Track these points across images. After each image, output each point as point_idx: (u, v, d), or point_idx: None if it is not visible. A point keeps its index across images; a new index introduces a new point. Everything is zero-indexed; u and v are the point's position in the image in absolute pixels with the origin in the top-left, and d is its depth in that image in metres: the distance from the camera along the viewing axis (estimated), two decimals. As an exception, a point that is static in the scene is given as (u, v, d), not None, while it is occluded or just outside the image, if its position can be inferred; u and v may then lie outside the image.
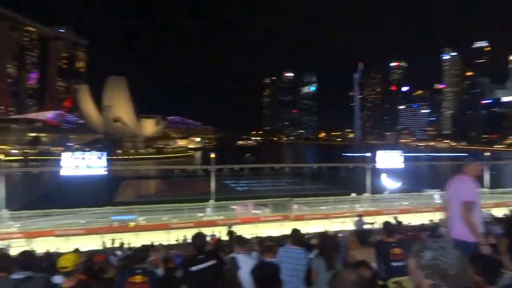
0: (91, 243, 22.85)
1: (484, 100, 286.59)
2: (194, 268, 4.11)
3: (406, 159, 44.12)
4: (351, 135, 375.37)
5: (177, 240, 24.06)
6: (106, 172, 33.66)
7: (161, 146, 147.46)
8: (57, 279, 3.90)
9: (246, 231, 23.72)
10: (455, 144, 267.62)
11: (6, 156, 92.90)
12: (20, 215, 27.69)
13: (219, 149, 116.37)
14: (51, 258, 9.19)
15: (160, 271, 4.83)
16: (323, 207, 33.59)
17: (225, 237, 20.41)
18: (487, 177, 39.59)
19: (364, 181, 38.64)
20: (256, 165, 68.84)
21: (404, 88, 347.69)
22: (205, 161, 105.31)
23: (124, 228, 28.07)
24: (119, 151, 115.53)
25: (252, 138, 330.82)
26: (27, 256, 3.81)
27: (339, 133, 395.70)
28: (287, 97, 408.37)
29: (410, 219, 27.69)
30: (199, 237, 4.58)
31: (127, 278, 3.81)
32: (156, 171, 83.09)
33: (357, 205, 35.42)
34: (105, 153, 34.52)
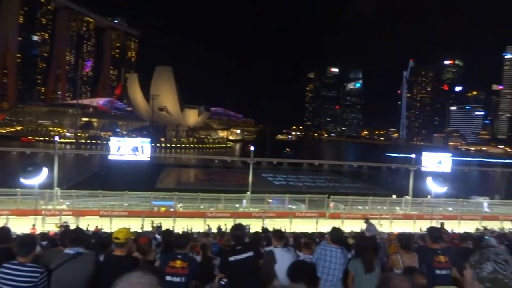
0: (132, 225, 23.96)
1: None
2: (232, 259, 4.15)
3: (455, 163, 41.80)
4: (395, 135, 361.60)
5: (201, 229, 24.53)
6: (149, 159, 34.98)
7: (203, 136, 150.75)
8: (102, 257, 4.14)
9: (281, 225, 23.72)
10: (511, 150, 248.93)
11: (61, 138, 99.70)
12: (70, 194, 29.63)
13: (258, 142, 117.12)
14: (99, 236, 9.75)
15: (199, 258, 4.93)
16: (361, 207, 32.74)
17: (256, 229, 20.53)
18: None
19: (406, 183, 37.14)
20: (295, 160, 68.40)
21: (458, 88, 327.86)
22: (244, 153, 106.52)
23: (163, 213, 29.19)
24: (162, 139, 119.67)
25: (293, 132, 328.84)
26: (78, 233, 4.06)
27: (383, 132, 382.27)
28: (330, 93, 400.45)
29: (454, 226, 26.29)
30: (238, 228, 4.62)
31: (168, 261, 3.95)
32: (196, 160, 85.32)
33: (397, 208, 34.18)
34: (149, 141, 35.88)
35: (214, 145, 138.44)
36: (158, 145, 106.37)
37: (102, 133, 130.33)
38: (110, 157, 34.01)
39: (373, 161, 62.50)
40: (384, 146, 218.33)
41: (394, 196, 36.33)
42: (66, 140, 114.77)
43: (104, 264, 3.78)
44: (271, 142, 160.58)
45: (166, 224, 24.65)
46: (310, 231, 22.06)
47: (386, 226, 27.38)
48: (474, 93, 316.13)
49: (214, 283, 4.36)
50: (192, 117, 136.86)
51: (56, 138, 36.25)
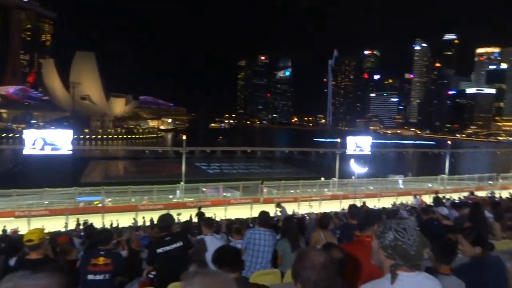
0: (55, 224, 22.16)
1: (450, 91, 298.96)
2: (160, 250, 4.05)
3: (374, 146, 45.56)
4: (323, 121, 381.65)
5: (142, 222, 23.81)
6: (71, 152, 32.40)
7: (131, 126, 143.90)
8: (13, 261, 3.77)
9: (216, 214, 23.83)
10: (420, 132, 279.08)
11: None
12: (-22, 195, 26.33)
13: (191, 131, 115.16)
14: (10, 239, 8.79)
15: (124, 253, 4.73)
16: (293, 191, 34.16)
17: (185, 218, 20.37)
18: (447, 164, 41.75)
19: (333, 165, 39.58)
20: (228, 148, 68.66)
21: (376, 77, 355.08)
22: (176, 142, 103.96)
23: (90, 209, 27.44)
24: (86, 131, 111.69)
25: (226, 121, 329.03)
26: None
27: (312, 118, 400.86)
28: (261, 81, 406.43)
29: (375, 203, 28.78)
30: (164, 218, 4.50)
31: (90, 259, 3.72)
32: (125, 151, 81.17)
33: (326, 189, 36.30)
34: (71, 132, 33.17)
35: (144, 135, 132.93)
36: (81, 137, 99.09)
37: (14, 126, 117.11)
38: (25, 151, 30.71)
39: (303, 147, 65.39)
40: (312, 132, 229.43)
41: (322, 179, 38.51)
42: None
43: (16, 269, 3.43)
44: (204, 131, 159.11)
45: (94, 220, 23.21)
46: (245, 217, 22.47)
47: (316, 207, 28.99)
48: (390, 81, 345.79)
49: (142, 277, 4.23)
50: (119, 106, 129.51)
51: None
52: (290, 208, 28.62)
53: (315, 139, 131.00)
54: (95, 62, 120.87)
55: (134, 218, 23.78)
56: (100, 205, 27.94)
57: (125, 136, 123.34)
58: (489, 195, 23.47)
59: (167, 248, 4.06)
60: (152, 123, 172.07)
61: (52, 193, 28.25)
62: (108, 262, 3.71)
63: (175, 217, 20.81)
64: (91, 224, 14.95)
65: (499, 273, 3.20)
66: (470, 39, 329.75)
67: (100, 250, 3.85)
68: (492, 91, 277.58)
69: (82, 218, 24.02)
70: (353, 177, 39.03)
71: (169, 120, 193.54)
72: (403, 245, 1.82)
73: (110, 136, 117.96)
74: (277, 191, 33.68)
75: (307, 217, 15.94)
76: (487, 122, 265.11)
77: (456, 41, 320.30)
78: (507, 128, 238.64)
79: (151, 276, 4.12)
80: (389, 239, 1.86)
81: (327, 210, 24.31)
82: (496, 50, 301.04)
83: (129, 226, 18.08)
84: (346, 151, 40.15)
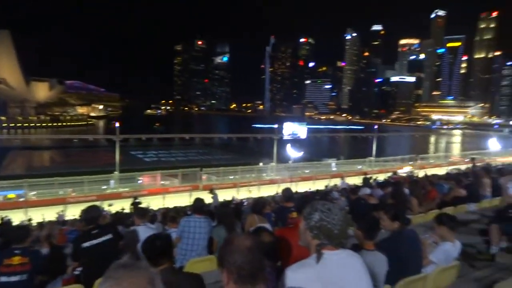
0: (-33, 223, 19.75)
1: (377, 79, 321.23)
2: (86, 244, 3.78)
3: (309, 131, 47.56)
4: (261, 107, 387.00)
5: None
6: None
7: (57, 113, 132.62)
8: None
9: (154, 203, 23.17)
10: (351, 117, 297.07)
11: None
12: None
13: (125, 118, 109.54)
14: None
15: (45, 250, 4.36)
16: (232, 177, 34.35)
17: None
18: (374, 147, 45.09)
19: (271, 151, 40.52)
20: (165, 135, 66.66)
21: (311, 64, 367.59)
22: (109, 130, 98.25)
23: (10, 205, 24.97)
24: (3, 118, 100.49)
25: (162, 107, 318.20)
26: None
27: (250, 104, 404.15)
28: (199, 66, 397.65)
29: (310, 186, 30.10)
30: (90, 210, 4.20)
31: (3, 260, 3.34)
32: (50, 141, 74.73)
33: (264, 174, 37.09)
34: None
35: (72, 123, 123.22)
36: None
37: None
38: None
39: (241, 133, 65.93)
40: (251, 118, 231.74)
41: (261, 164, 39.25)
42: None
43: None
44: (140, 117, 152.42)
45: (16, 216, 21.17)
46: (184, 205, 22.13)
47: (255, 192, 29.52)
48: (324, 68, 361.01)
49: (67, 275, 3.94)
50: (42, 91, 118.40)
51: None
52: (230, 194, 28.87)
53: (253, 125, 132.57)
54: (11, 41, 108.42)
55: (57, 213, 22.12)
56: (22, 199, 25.53)
57: (50, 124, 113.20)
58: (409, 174, 25.87)
59: (94, 242, 3.81)
60: (82, 110, 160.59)
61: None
62: (25, 261, 3.37)
63: (107, 208, 19.77)
64: (8, 221, 13.57)
65: (414, 244, 3.53)
66: (395, 31, 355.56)
67: (15, 249, 3.46)
68: (412, 79, 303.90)
69: (1, 214, 21.78)
70: (289, 161, 40.37)
71: (101, 107, 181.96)
72: (328, 225, 1.89)
73: (32, 124, 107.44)
74: (217, 178, 33.63)
75: (245, 202, 16.19)
76: (408, 108, 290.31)
77: (382, 32, 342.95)
78: (425, 114, 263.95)
79: (76, 272, 3.85)
80: (315, 219, 1.92)
81: (266, 195, 24.96)
82: (416, 42, 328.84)
83: (50, 221, 16.81)
84: (283, 136, 41.36)
